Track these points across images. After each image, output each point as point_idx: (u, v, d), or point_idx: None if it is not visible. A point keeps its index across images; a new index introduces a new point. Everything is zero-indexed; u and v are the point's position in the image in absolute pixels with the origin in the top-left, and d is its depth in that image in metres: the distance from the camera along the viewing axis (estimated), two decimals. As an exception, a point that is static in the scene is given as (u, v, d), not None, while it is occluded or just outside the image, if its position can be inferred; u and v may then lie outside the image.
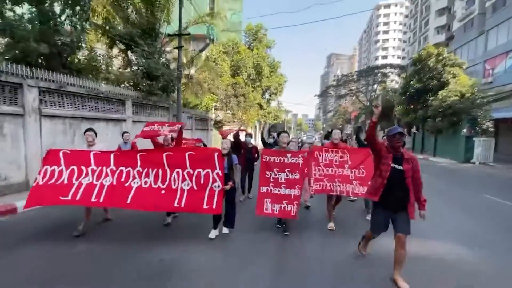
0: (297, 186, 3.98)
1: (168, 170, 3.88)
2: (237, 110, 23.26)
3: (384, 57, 68.07)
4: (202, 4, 21.22)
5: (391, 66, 33.62)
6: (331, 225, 4.42)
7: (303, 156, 4.06)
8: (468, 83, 19.07)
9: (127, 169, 3.88)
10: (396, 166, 2.79)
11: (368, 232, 3.25)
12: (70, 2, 7.69)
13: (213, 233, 3.94)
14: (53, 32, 7.39)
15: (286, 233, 4.13)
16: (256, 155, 6.28)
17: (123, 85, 9.45)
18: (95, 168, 3.85)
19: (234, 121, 23.20)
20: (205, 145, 5.70)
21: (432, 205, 3.55)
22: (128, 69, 9.69)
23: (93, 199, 3.70)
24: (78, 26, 7.95)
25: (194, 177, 3.84)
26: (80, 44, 8.23)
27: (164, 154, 3.89)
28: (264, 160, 4.11)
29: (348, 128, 52.11)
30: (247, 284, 2.85)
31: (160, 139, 4.73)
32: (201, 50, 13.64)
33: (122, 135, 5.62)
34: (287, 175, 4.01)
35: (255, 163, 6.19)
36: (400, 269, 2.86)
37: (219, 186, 3.78)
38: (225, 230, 4.08)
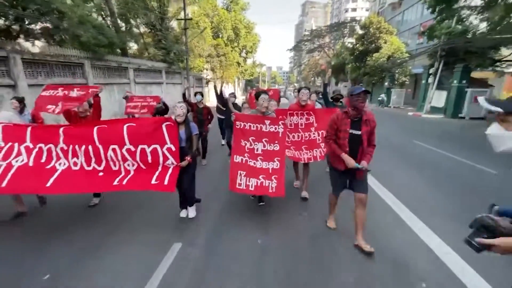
0: (277, 158, 3.34)
1: (100, 147, 2.99)
2: (219, 69, 27.80)
3: (354, 9, 70.79)
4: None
5: (355, 21, 37.77)
6: (304, 193, 4.10)
7: (283, 123, 3.35)
8: (397, 45, 25.52)
9: (47, 146, 3.06)
10: (354, 131, 2.64)
11: (330, 196, 3.09)
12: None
13: (184, 212, 3.48)
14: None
15: (261, 203, 3.77)
16: (208, 116, 5.61)
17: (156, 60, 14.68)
18: (2, 144, 3.01)
19: (218, 78, 27.97)
20: (165, 105, 4.86)
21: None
22: (158, 50, 14.82)
23: None
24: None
25: (138, 156, 3.00)
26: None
27: (95, 128, 2.99)
28: (237, 126, 3.45)
29: (318, 81, 55.50)
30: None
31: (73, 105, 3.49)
32: (201, 32, 18.35)
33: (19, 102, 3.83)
34: (264, 146, 3.37)
35: (209, 125, 5.71)
36: (361, 231, 2.79)
37: (173, 164, 3.05)
38: (185, 213, 3.47)
